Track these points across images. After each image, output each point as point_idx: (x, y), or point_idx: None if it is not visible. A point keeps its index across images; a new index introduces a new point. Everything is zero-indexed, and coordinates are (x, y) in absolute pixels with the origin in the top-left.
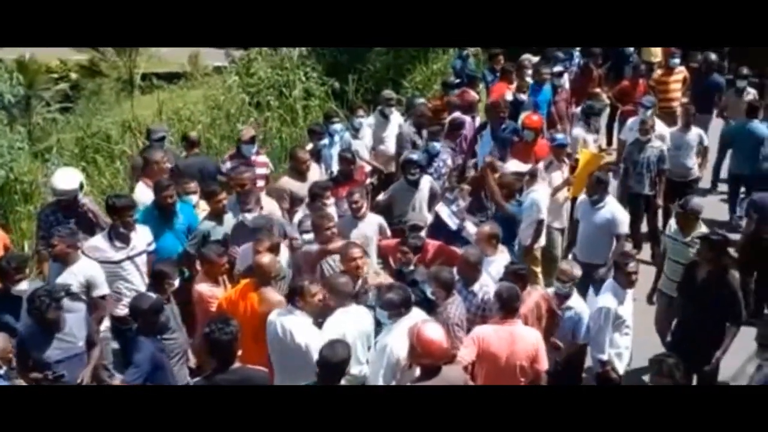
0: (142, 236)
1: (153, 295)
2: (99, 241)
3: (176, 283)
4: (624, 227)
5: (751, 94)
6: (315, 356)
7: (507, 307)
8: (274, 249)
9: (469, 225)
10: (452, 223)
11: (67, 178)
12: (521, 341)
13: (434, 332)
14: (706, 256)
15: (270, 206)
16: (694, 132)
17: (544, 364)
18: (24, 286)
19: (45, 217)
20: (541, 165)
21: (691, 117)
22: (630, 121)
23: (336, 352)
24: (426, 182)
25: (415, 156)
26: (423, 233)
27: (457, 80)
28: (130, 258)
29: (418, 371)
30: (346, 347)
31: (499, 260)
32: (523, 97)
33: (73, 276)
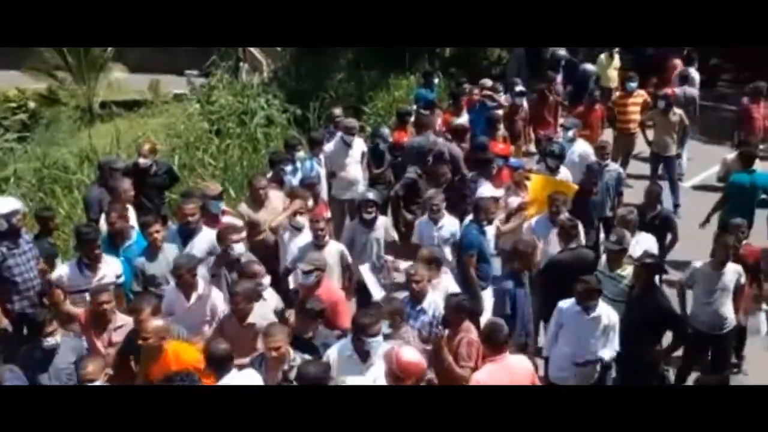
0: (111, 267)
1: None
2: (67, 269)
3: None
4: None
5: None
6: None
7: (493, 342)
8: (155, 312)
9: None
10: (376, 292)
11: (4, 203)
12: (518, 372)
13: (412, 355)
14: (643, 278)
15: None
16: (731, 270)
17: None
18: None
19: None
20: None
21: (729, 250)
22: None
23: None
24: (382, 222)
25: (371, 195)
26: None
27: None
28: None
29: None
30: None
31: (444, 281)
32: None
33: None
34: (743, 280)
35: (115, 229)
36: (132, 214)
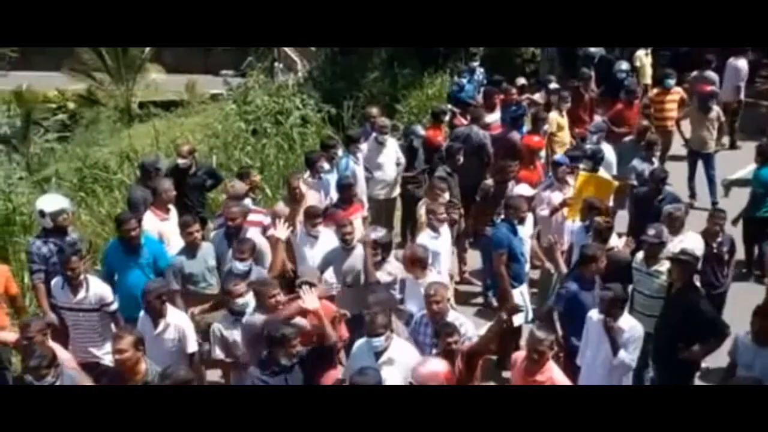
0: (94, 292)
1: None
2: (56, 282)
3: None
4: None
5: None
6: None
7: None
8: (137, 344)
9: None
10: None
11: (54, 201)
12: None
13: (435, 366)
14: (676, 276)
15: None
16: None
17: None
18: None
19: (37, 249)
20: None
21: None
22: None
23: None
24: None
25: (373, 235)
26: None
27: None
28: (80, 310)
29: None
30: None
31: (434, 278)
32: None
33: None
34: None
35: (134, 237)
36: (174, 214)
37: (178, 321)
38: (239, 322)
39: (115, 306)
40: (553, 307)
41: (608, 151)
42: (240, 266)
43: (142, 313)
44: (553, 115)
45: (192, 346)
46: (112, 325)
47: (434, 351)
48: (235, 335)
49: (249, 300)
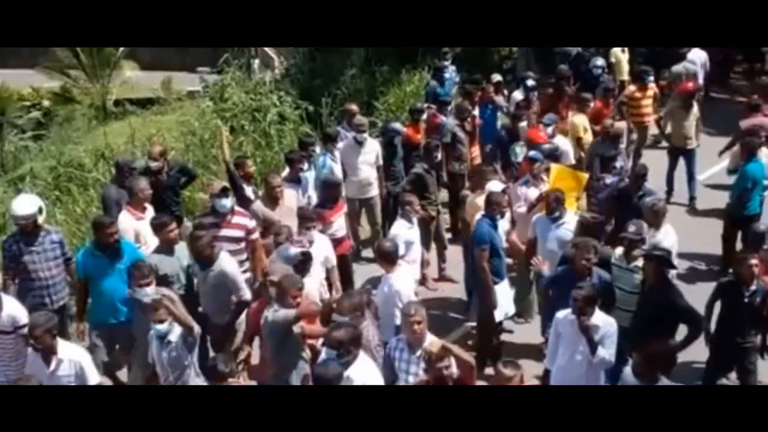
0: (7, 314)
1: None
2: None
3: None
4: None
5: None
6: None
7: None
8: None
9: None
10: None
11: (25, 204)
12: None
13: None
14: (650, 272)
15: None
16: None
17: None
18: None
19: (8, 247)
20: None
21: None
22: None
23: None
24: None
25: (291, 251)
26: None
27: (427, 105)
28: None
29: None
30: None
31: (402, 273)
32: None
33: None
34: None
35: (114, 241)
36: (150, 213)
37: (72, 355)
38: (162, 343)
39: (25, 330)
40: (547, 286)
41: (564, 143)
42: (145, 293)
43: (30, 350)
44: (579, 119)
45: (93, 378)
46: (29, 350)
47: (411, 379)
48: (160, 353)
49: (169, 327)
